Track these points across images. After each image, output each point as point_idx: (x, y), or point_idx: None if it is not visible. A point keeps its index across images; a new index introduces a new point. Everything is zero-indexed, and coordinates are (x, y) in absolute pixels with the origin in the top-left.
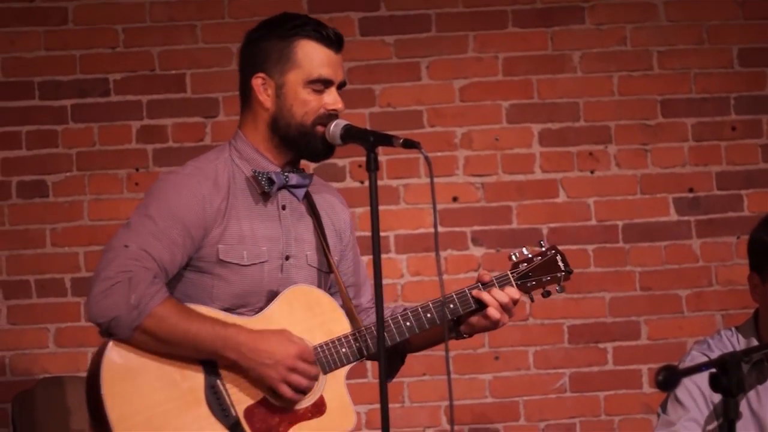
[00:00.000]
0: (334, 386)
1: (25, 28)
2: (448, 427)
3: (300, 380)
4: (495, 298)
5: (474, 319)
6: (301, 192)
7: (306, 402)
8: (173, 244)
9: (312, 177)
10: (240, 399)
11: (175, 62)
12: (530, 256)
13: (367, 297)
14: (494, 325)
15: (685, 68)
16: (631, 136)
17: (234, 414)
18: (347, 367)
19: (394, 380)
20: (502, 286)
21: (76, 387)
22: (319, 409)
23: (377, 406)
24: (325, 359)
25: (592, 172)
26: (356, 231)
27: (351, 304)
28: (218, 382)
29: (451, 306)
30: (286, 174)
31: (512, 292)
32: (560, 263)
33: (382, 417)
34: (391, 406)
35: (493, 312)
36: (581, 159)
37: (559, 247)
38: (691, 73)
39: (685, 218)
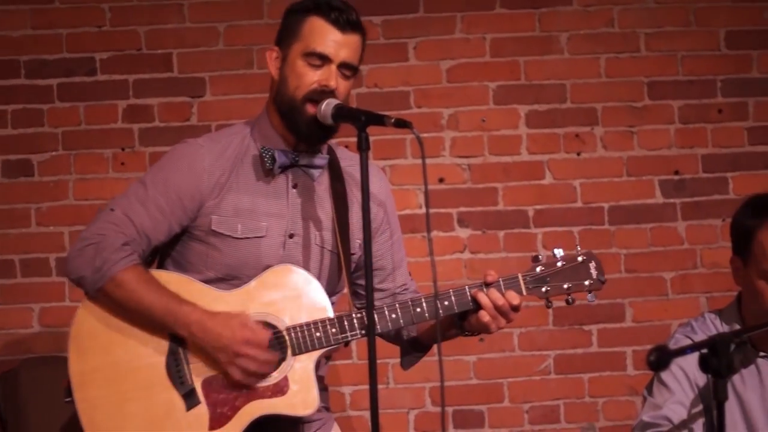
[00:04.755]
0: (301, 369)
1: (12, 6)
2: (432, 408)
3: (248, 364)
4: (491, 299)
5: (473, 318)
6: (315, 172)
7: (269, 380)
8: (160, 213)
9: (328, 158)
10: (200, 368)
11: (161, 41)
12: (556, 259)
13: (397, 282)
14: (485, 327)
15: (672, 50)
16: (618, 118)
17: (189, 382)
18: (319, 352)
19: (380, 361)
20: (507, 288)
21: (60, 367)
22: (281, 389)
23: (361, 387)
24: (296, 341)
25: (578, 154)
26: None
27: (349, 287)
28: (180, 349)
29: (446, 303)
30: (295, 154)
31: (512, 296)
32: (592, 271)
33: (371, 398)
34: None
35: (483, 315)
36: (568, 141)
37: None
38: (678, 55)
39: (671, 201)
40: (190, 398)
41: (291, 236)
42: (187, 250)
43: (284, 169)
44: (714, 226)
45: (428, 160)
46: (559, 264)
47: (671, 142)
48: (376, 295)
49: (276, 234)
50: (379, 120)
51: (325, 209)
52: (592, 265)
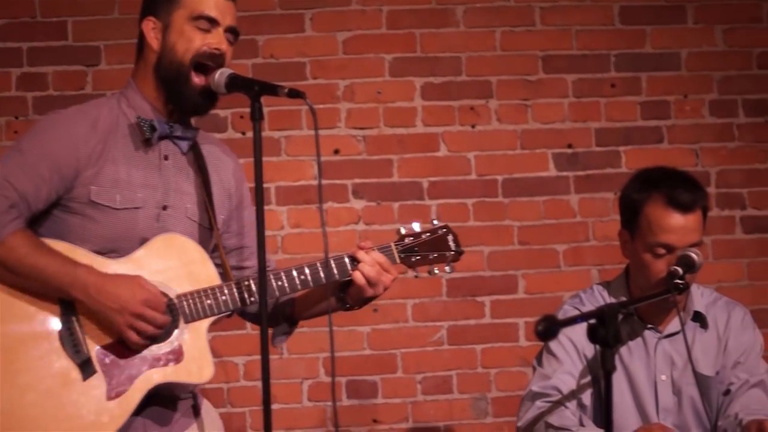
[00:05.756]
0: (194, 336)
1: None
2: (325, 378)
3: (145, 327)
4: (370, 256)
5: (351, 289)
6: (185, 144)
7: (163, 348)
8: (39, 178)
9: (198, 131)
10: (94, 338)
11: (56, 9)
12: (419, 231)
13: (254, 261)
14: (370, 282)
15: (567, 25)
16: (512, 91)
17: (85, 351)
18: (210, 319)
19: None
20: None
21: None
22: (176, 357)
23: (255, 357)
24: (188, 309)
25: (473, 127)
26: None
27: (226, 260)
28: (73, 318)
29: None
30: (170, 124)
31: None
32: (450, 243)
33: (263, 369)
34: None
35: (368, 268)
36: (462, 113)
37: (449, 224)
38: (573, 29)
39: (564, 174)
40: (86, 368)
41: (164, 208)
42: (60, 224)
43: (159, 139)
44: (606, 200)
45: (323, 132)
46: (423, 236)
47: (565, 116)
48: (244, 273)
49: (150, 206)
50: (273, 90)
51: (192, 183)
52: (450, 237)
